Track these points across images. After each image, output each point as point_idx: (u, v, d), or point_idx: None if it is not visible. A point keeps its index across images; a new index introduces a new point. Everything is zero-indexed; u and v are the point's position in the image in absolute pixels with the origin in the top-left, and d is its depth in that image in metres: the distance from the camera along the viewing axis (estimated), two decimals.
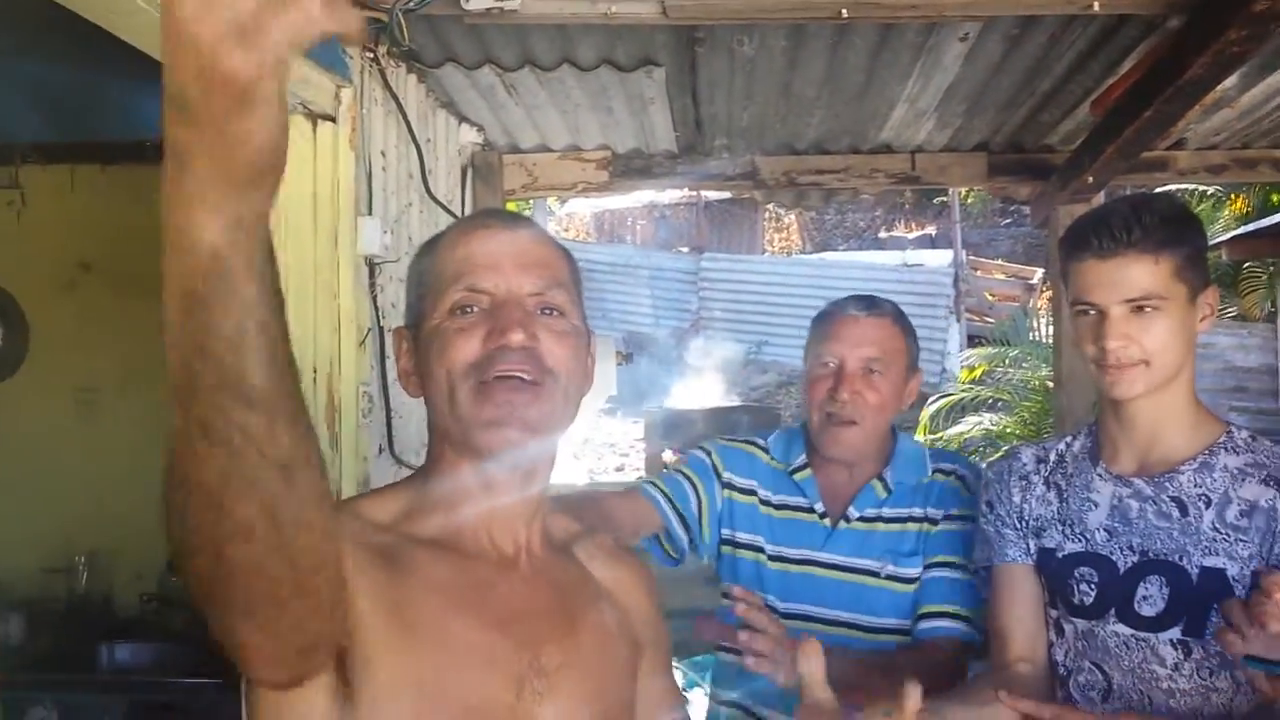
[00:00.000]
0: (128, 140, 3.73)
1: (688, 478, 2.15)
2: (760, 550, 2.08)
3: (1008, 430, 8.16)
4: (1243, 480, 1.65)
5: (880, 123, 3.80)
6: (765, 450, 2.17)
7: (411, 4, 2.47)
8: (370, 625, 1.01)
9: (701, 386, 11.71)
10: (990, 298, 14.42)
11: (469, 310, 1.15)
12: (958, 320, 12.98)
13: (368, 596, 1.01)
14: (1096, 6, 2.51)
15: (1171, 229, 1.64)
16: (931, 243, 16.48)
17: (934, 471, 2.07)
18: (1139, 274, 1.62)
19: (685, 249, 16.48)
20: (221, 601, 0.80)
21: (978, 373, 9.39)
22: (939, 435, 8.78)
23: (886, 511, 2.04)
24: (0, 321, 4.13)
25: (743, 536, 2.11)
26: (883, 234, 17.18)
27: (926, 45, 3.04)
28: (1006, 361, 9.01)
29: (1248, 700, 1.62)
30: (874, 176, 4.18)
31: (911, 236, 17.15)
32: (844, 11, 2.54)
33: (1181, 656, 1.63)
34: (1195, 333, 1.69)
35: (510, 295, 1.16)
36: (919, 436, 9.36)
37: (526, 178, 4.13)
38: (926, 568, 2.00)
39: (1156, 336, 1.63)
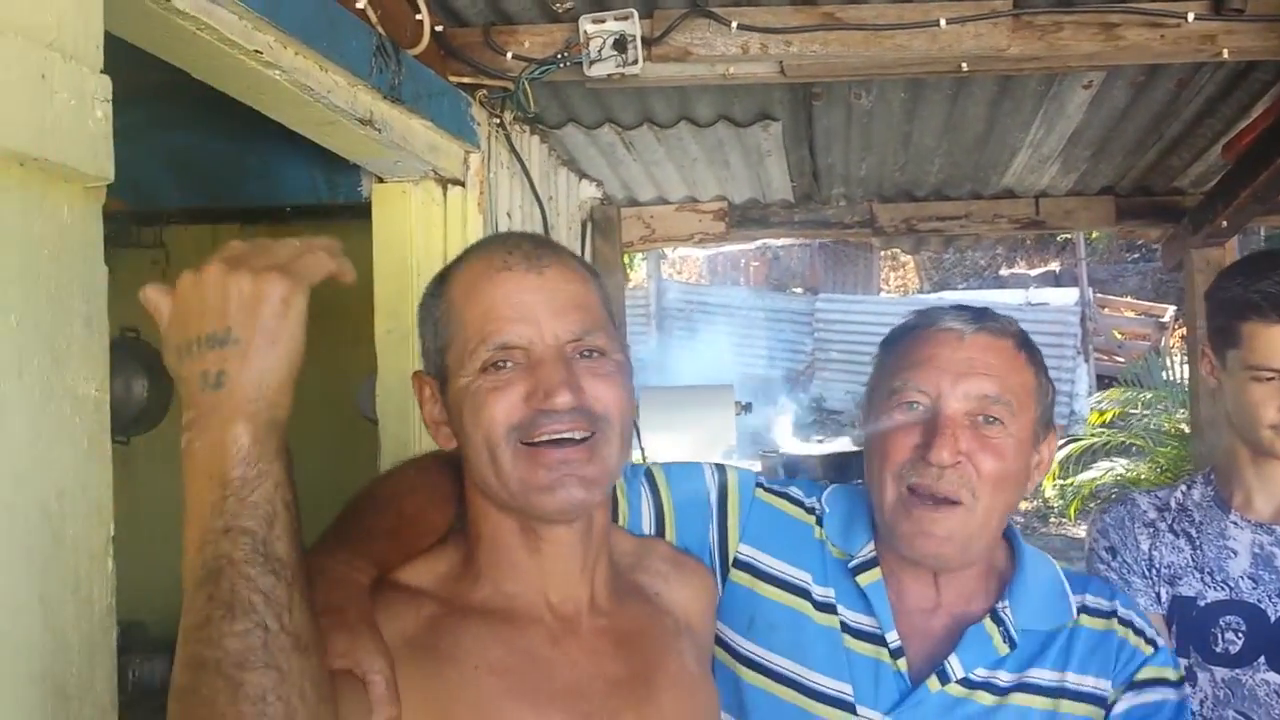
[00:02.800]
0: (265, 203, 3.94)
1: (652, 485, 1.36)
2: (844, 705, 1.26)
3: (1141, 477, 7.87)
4: None
5: (1002, 169, 3.76)
6: (814, 515, 1.38)
7: (536, 73, 2.56)
8: None
9: (818, 430, 11.61)
10: (1119, 336, 13.94)
11: (503, 366, 1.05)
12: (1086, 360, 12.59)
13: (411, 702, 0.97)
14: (1225, 54, 2.45)
15: None
16: (1055, 280, 16.04)
17: (1080, 612, 1.31)
18: None
19: (799, 290, 16.40)
20: None
21: (1109, 416, 9.08)
22: (1069, 481, 8.50)
23: (1004, 677, 1.26)
24: (146, 375, 4.36)
25: (773, 659, 1.30)
26: (1004, 272, 16.81)
27: (1049, 94, 3.01)
28: (1139, 404, 8.69)
29: None
30: (996, 221, 4.13)
31: (1034, 274, 16.73)
32: (964, 65, 2.54)
33: None
34: None
35: (547, 349, 1.05)
36: (1047, 484, 9.09)
37: (645, 230, 4.20)
38: None
39: None
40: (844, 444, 10.29)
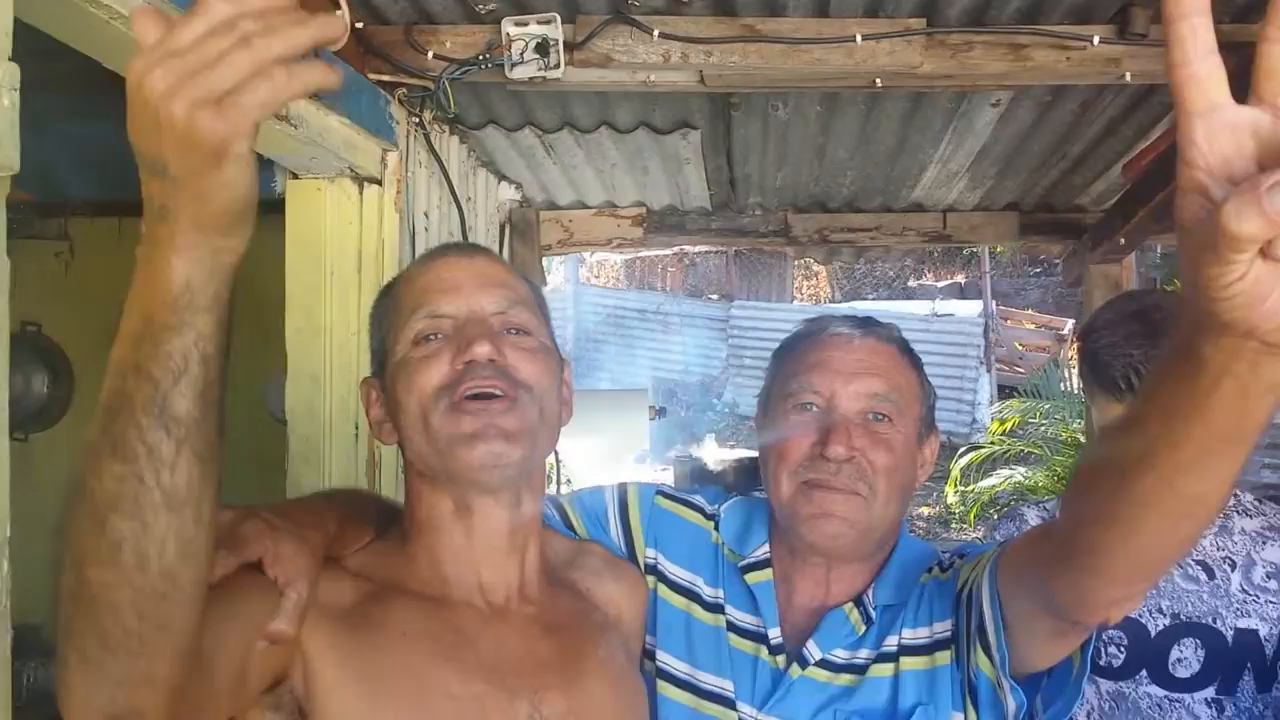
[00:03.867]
0: None
1: (563, 513, 1.42)
2: (725, 701, 1.30)
3: (1040, 485, 8.11)
4: (1264, 543, 1.73)
5: (912, 183, 3.85)
6: (714, 522, 1.42)
7: (457, 73, 2.54)
8: (339, 695, 1.01)
9: (731, 435, 11.70)
10: (1020, 348, 14.36)
11: (433, 337, 1.13)
12: (988, 371, 12.94)
13: (336, 665, 1.02)
14: (1128, 76, 2.55)
15: None
16: (960, 291, 16.46)
17: (929, 571, 1.35)
18: None
19: (715, 296, 16.54)
20: (65, 628, 0.80)
21: (1009, 425, 9.35)
22: (970, 488, 8.73)
23: (864, 654, 1.29)
24: (47, 371, 4.22)
25: (671, 663, 1.34)
26: (912, 283, 17.18)
27: (959, 111, 3.09)
28: (1038, 414, 8.97)
29: None
30: (905, 234, 4.23)
31: (940, 285, 17.13)
32: (878, 81, 2.59)
33: (1215, 714, 1.69)
34: None
35: (472, 315, 1.13)
36: (949, 491, 9.32)
37: (563, 233, 4.20)
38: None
39: None
40: (755, 450, 10.39)
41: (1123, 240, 3.63)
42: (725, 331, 14.51)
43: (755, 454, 1.43)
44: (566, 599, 1.23)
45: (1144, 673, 1.72)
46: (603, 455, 3.85)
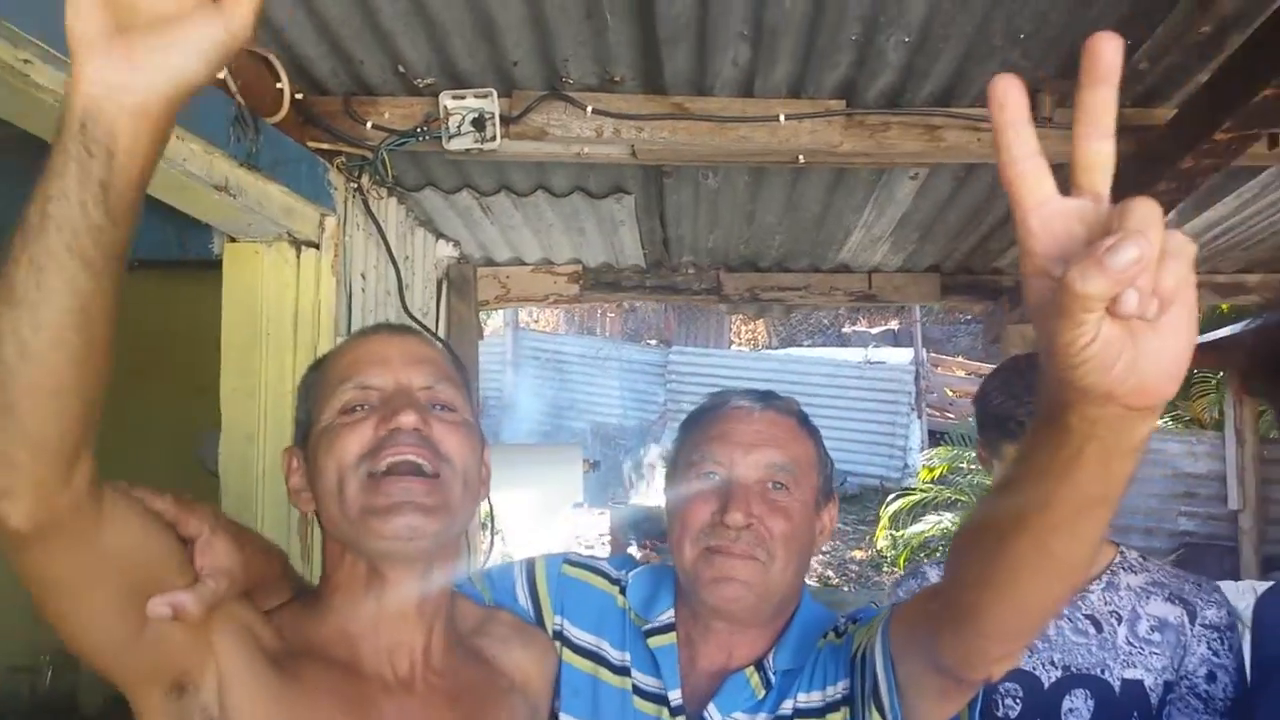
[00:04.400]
0: None
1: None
2: None
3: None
4: (1147, 598, 1.84)
5: (838, 246, 3.99)
6: (619, 587, 1.47)
7: (395, 144, 2.62)
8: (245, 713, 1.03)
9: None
10: (950, 394, 14.66)
11: (360, 408, 1.15)
12: (919, 417, 13.19)
13: (252, 695, 1.04)
14: None
15: None
16: (894, 338, 16.80)
17: (826, 635, 1.38)
18: None
19: (654, 341, 16.69)
20: None
21: (938, 472, 9.55)
22: (900, 533, 8.89)
23: (763, 718, 1.33)
24: None
25: None
26: (846, 329, 17.49)
27: (880, 182, 3.24)
28: (966, 461, 9.18)
29: None
30: (833, 294, 4.37)
31: (875, 331, 17.46)
32: (801, 158, 2.72)
33: None
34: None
35: (399, 387, 1.16)
36: (879, 535, 9.48)
37: (500, 289, 4.28)
38: None
39: None
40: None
41: None
42: (664, 376, 14.64)
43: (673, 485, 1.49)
44: (472, 667, 1.25)
45: None
46: (538, 508, 3.90)
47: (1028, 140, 0.68)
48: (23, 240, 0.80)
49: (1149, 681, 1.77)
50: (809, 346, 16.10)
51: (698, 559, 1.33)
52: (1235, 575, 6.64)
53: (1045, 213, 0.68)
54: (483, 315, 4.45)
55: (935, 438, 12.63)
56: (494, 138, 2.58)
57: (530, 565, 1.47)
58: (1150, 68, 2.43)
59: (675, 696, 1.34)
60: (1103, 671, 1.80)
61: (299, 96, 2.48)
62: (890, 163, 2.87)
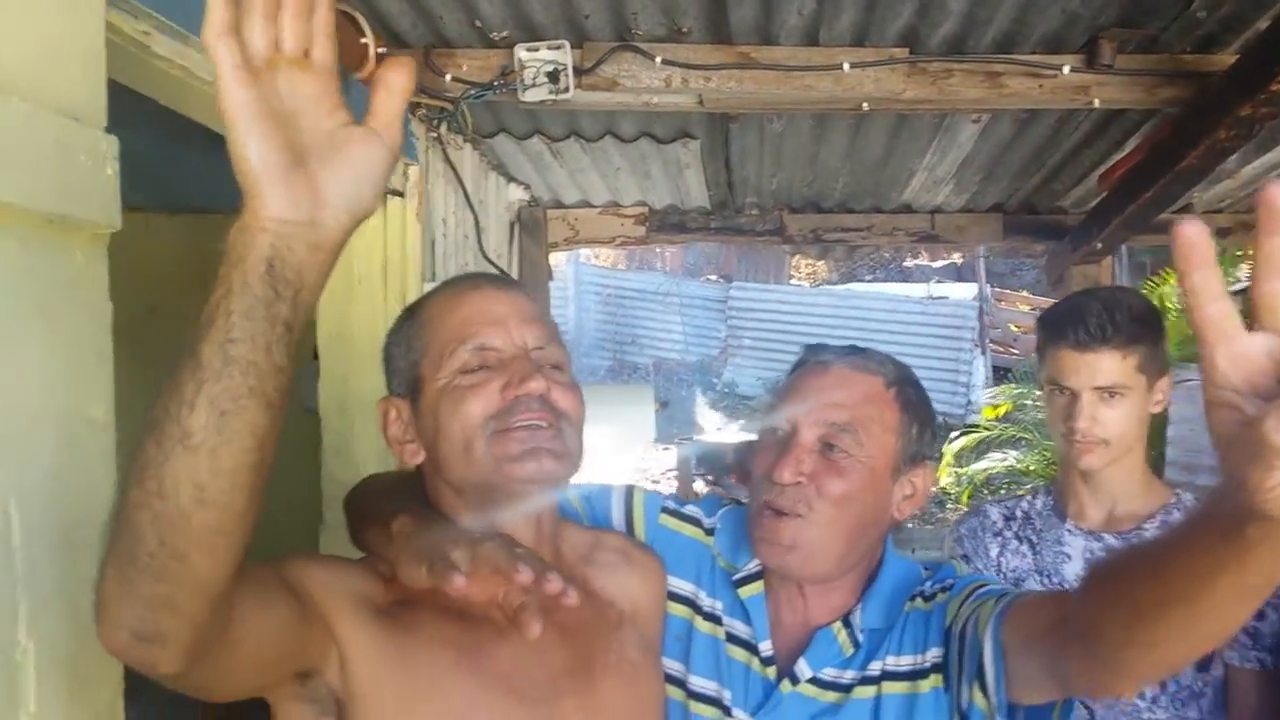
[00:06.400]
0: (211, 207, 4.00)
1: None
2: (721, 706, 1.37)
3: (1031, 468, 8.33)
4: None
5: (901, 187, 4.05)
6: (711, 535, 1.47)
7: (474, 96, 2.74)
8: (378, 694, 1.07)
9: (731, 415, 11.90)
10: (1015, 330, 14.53)
11: (479, 368, 1.18)
12: (983, 353, 13.13)
13: (374, 662, 1.08)
14: (1096, 103, 2.75)
15: (1139, 327, 1.89)
16: (957, 272, 16.63)
17: (914, 599, 1.38)
18: (1109, 366, 1.87)
19: (714, 276, 16.72)
20: (108, 543, 0.84)
21: (1002, 410, 9.55)
22: (964, 470, 8.94)
23: (852, 675, 1.34)
24: None
25: (666, 663, 1.40)
26: (908, 263, 17.35)
27: (942, 126, 3.29)
28: (1031, 398, 9.17)
29: None
30: (895, 234, 4.43)
31: (937, 265, 17.29)
32: (865, 105, 2.80)
33: (1159, 690, 1.87)
34: (1149, 413, 1.94)
35: (519, 350, 1.19)
36: (943, 472, 9.53)
37: (569, 231, 4.40)
38: None
39: (1118, 420, 1.89)
40: (758, 432, 10.60)
41: (1099, 245, 3.84)
42: (724, 312, 14.70)
43: (755, 435, 1.53)
44: (583, 598, 1.22)
45: None
46: (613, 446, 4.07)
47: (1215, 285, 0.70)
48: (197, 382, 0.78)
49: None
50: (870, 281, 16.02)
51: (755, 514, 1.35)
52: None
53: (1233, 351, 0.70)
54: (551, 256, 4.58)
55: (999, 374, 12.58)
56: (567, 89, 2.69)
57: (628, 501, 1.48)
58: (1208, 15, 2.46)
59: (766, 647, 1.37)
60: None
61: (382, 51, 2.60)
62: (953, 109, 2.92)
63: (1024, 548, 2.04)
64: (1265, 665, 1.83)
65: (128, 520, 0.80)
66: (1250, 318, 0.71)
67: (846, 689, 1.33)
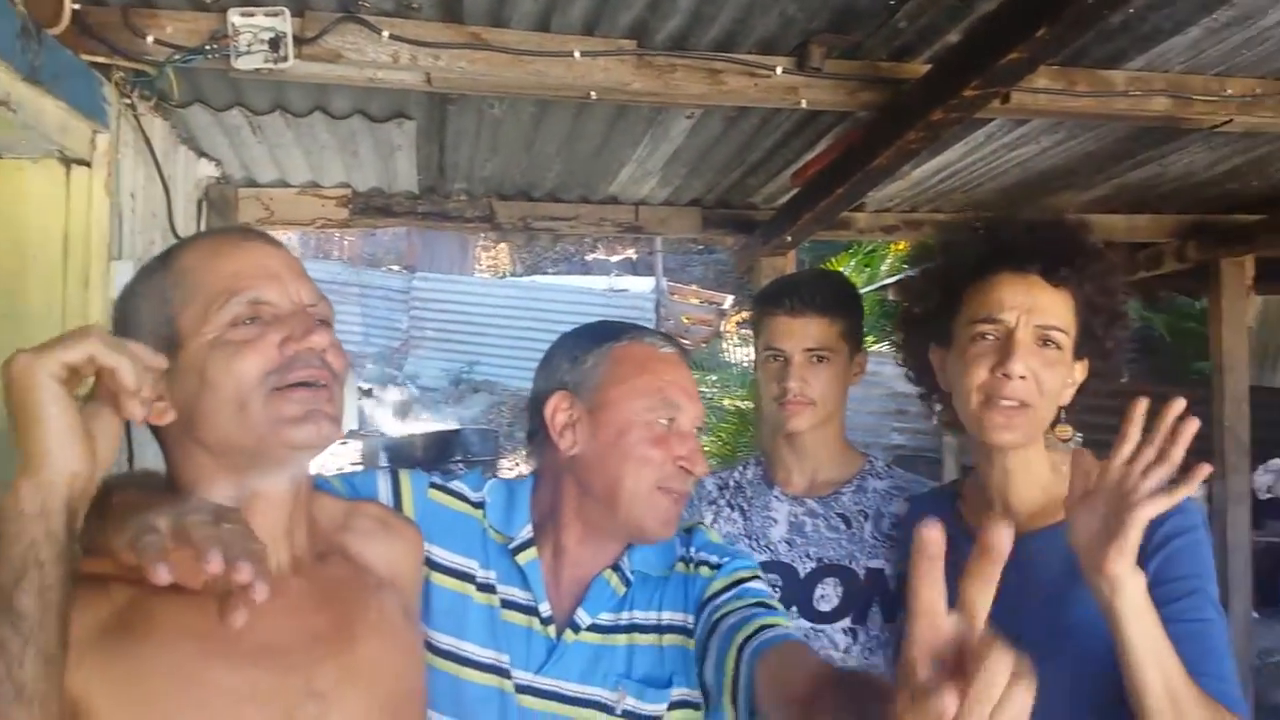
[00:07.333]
0: None
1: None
2: (500, 671, 1.45)
3: (708, 451, 8.80)
4: (890, 499, 2.11)
5: (610, 178, 4.13)
6: (480, 508, 1.54)
7: (182, 61, 2.51)
8: (108, 710, 1.02)
9: (416, 408, 11.68)
10: (687, 321, 15.33)
11: (253, 320, 1.14)
12: None
13: (104, 696, 1.02)
14: (804, 103, 2.94)
15: (844, 299, 2.14)
16: (633, 267, 17.30)
17: (678, 562, 1.54)
18: (817, 331, 2.08)
19: (396, 267, 16.34)
20: None
21: None
22: None
23: (627, 617, 1.49)
24: None
25: (435, 638, 1.45)
26: (589, 258, 17.82)
27: (658, 119, 3.40)
28: (706, 385, 9.69)
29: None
30: (602, 224, 4.52)
31: (614, 260, 17.89)
32: (593, 94, 2.83)
33: (851, 641, 2.04)
34: (848, 384, 2.16)
35: (295, 306, 1.17)
36: None
37: (263, 211, 4.13)
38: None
39: (824, 381, 2.09)
40: (444, 423, 10.54)
41: (789, 238, 4.12)
42: (407, 303, 14.42)
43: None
44: (337, 564, 1.26)
45: (795, 608, 2.05)
46: None
47: (938, 579, 0.78)
48: (23, 636, 0.90)
49: (889, 570, 2.03)
50: (554, 274, 16.30)
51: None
52: (939, 481, 7.45)
53: (932, 624, 0.78)
54: None
55: None
56: (286, 58, 2.52)
57: (395, 480, 1.51)
58: (908, 25, 2.70)
59: (545, 609, 1.47)
60: (850, 562, 2.05)
61: (76, 7, 2.32)
62: (675, 102, 3.02)
63: (735, 514, 2.17)
64: None
65: None
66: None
67: (626, 630, 1.48)
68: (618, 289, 14.19)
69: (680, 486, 1.45)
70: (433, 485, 1.53)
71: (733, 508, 2.18)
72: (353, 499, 1.40)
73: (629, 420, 1.44)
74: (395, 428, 10.07)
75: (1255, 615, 5.42)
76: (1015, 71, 2.31)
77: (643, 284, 14.83)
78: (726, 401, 9.77)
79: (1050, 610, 1.50)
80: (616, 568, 1.50)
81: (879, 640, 2.04)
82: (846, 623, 2.04)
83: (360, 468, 8.87)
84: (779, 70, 2.85)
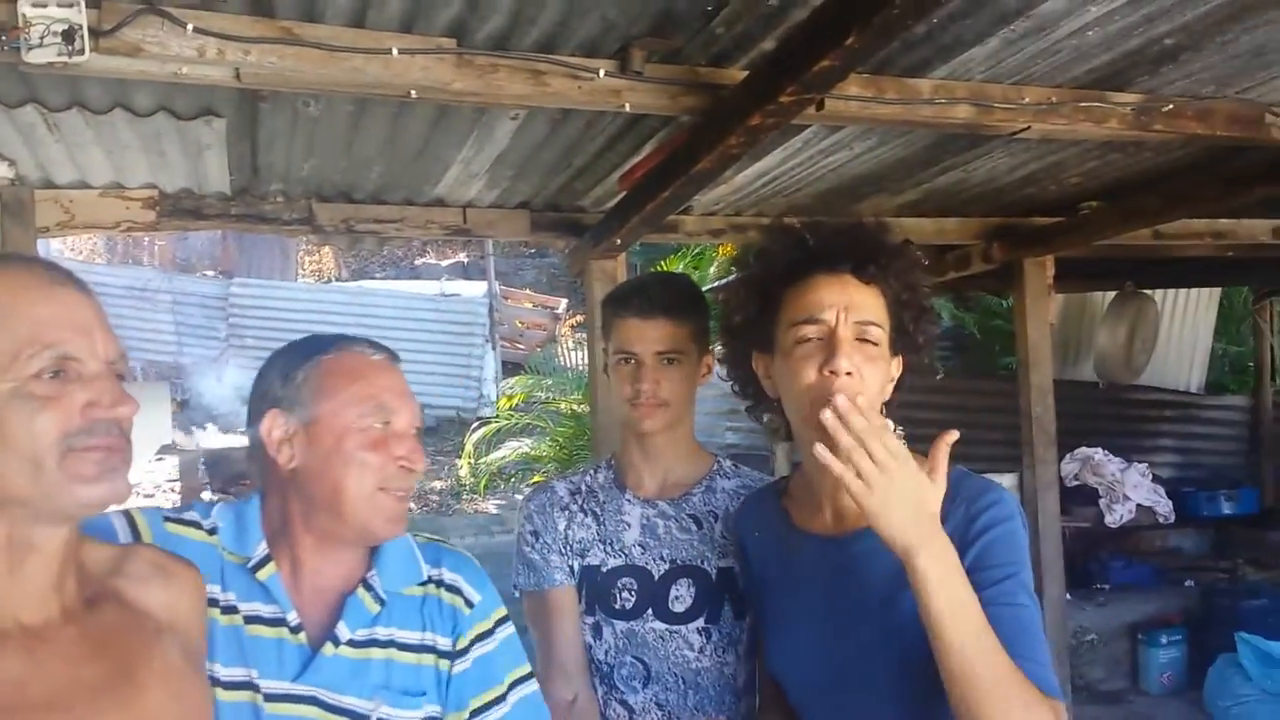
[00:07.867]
0: None
1: None
2: (250, 686, 1.48)
3: (544, 454, 8.79)
4: (738, 498, 2.14)
5: (435, 180, 4.07)
6: (212, 533, 1.56)
7: None
8: None
9: (234, 419, 11.18)
10: (521, 325, 15.27)
11: (55, 375, 1.10)
12: (493, 348, 13.61)
13: None
14: (628, 106, 2.96)
15: (691, 302, 2.15)
16: (464, 271, 17.09)
17: (429, 584, 1.61)
18: (668, 333, 2.08)
19: (211, 272, 15.65)
20: None
21: (516, 400, 9.98)
22: (483, 460, 9.20)
23: (382, 633, 1.55)
24: None
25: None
26: (418, 262, 17.51)
27: (481, 120, 3.36)
28: (542, 389, 9.68)
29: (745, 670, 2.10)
30: (429, 227, 4.45)
31: (445, 264, 17.64)
32: (413, 93, 2.77)
33: (705, 640, 2.08)
34: (696, 385, 2.17)
35: (102, 366, 1.14)
36: (463, 464, 9.75)
37: (64, 215, 3.89)
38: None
39: (675, 382, 2.10)
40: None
41: (619, 240, 4.14)
42: (225, 310, 13.83)
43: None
44: (112, 612, 1.22)
45: (650, 610, 2.08)
46: None
47: None
48: None
49: (738, 568, 2.06)
50: (382, 279, 15.94)
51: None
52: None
53: None
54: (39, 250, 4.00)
55: (508, 368, 13.14)
56: (82, 51, 2.37)
57: (130, 519, 1.49)
58: (725, 32, 2.75)
59: (293, 618, 1.51)
60: (702, 562, 2.09)
61: None
62: (498, 103, 2.99)
63: (589, 519, 2.16)
64: None
65: None
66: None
67: (384, 645, 1.54)
68: (449, 294, 13.98)
69: (403, 484, 1.52)
70: (166, 519, 1.54)
71: (585, 512, 2.17)
72: (123, 545, 1.37)
73: (345, 428, 1.49)
74: (214, 440, 9.62)
75: (1068, 597, 5.76)
76: (828, 78, 2.39)
77: (475, 288, 14.66)
78: (563, 405, 9.77)
79: (882, 611, 1.53)
80: (369, 586, 1.55)
81: (731, 638, 2.08)
82: (700, 622, 2.07)
83: (177, 484, 8.46)
84: (602, 73, 2.86)
